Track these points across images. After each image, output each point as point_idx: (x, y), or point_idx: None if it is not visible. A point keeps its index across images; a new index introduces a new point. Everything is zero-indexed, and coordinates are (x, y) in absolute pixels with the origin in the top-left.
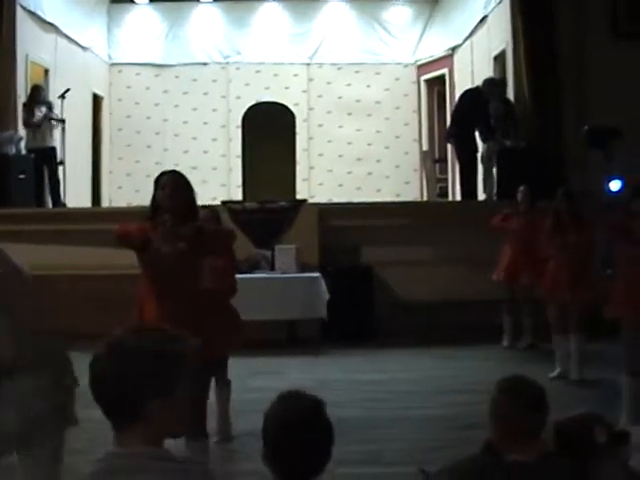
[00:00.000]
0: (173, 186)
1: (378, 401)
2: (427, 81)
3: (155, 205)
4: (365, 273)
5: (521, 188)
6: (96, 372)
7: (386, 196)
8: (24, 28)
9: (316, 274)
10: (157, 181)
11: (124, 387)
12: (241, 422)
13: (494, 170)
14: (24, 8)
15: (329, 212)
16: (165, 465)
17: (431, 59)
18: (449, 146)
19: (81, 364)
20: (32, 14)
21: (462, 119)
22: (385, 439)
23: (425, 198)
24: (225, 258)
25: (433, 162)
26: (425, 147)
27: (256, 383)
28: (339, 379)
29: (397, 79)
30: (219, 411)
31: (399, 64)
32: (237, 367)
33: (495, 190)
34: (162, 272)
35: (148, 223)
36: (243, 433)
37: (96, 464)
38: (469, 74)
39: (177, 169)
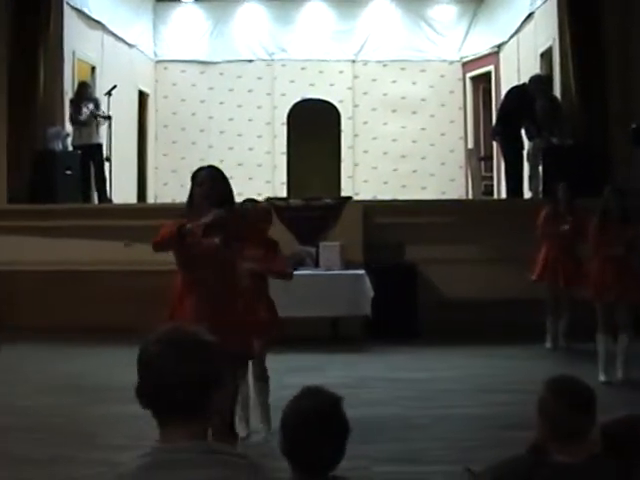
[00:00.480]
0: (210, 183)
1: (419, 400)
2: (473, 78)
3: (192, 201)
4: (409, 271)
5: (561, 185)
6: (158, 370)
7: (431, 194)
8: (71, 26)
9: (361, 271)
10: (194, 177)
11: (192, 383)
12: (279, 419)
13: (540, 168)
14: (71, 6)
15: (374, 209)
16: (216, 458)
17: (477, 56)
18: (494, 144)
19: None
20: (79, 12)
21: (508, 117)
22: (426, 438)
23: (470, 196)
24: (265, 245)
25: (478, 160)
26: (470, 145)
27: (297, 380)
28: (381, 377)
29: (442, 76)
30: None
31: (444, 61)
32: (278, 363)
33: (541, 188)
34: (197, 267)
35: (184, 219)
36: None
37: (142, 458)
38: (515, 71)
39: (221, 165)
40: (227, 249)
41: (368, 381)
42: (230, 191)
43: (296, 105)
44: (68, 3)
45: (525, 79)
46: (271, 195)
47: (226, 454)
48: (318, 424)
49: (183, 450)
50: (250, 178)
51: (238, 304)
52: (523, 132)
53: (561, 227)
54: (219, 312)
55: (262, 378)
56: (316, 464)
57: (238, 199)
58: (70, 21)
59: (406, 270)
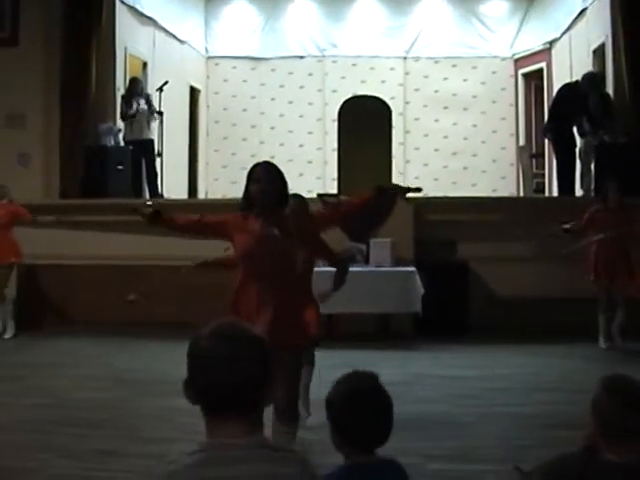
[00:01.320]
0: (267, 180)
1: (469, 397)
2: (524, 75)
3: (248, 197)
4: (460, 268)
5: (610, 183)
6: (213, 366)
7: (482, 191)
8: (123, 22)
9: (411, 268)
10: (250, 173)
11: (247, 380)
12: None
13: (592, 165)
14: (123, 2)
15: (425, 206)
16: (268, 454)
17: (529, 53)
18: (546, 141)
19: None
20: (131, 8)
21: (560, 114)
22: (475, 436)
23: (521, 193)
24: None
25: (530, 157)
26: (522, 142)
27: None
28: (430, 374)
29: (494, 73)
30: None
31: (496, 58)
32: (327, 359)
33: (593, 186)
34: (256, 258)
35: (240, 214)
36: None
37: (193, 455)
38: (567, 68)
39: (272, 162)
40: (286, 240)
41: (418, 378)
42: (286, 188)
43: (347, 101)
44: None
45: (577, 76)
46: (322, 191)
47: (277, 450)
48: (367, 399)
49: (236, 446)
50: (301, 174)
51: (298, 295)
52: (575, 129)
53: (609, 229)
54: (280, 303)
55: (311, 362)
56: (367, 440)
57: None
58: (122, 17)
59: (457, 267)
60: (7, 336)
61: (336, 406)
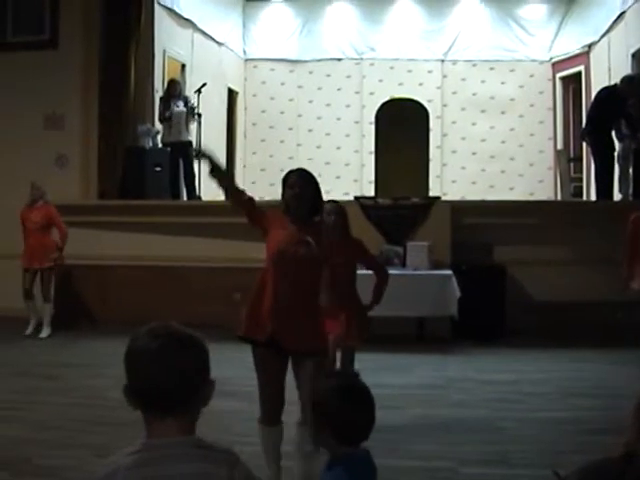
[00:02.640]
0: (301, 186)
1: (506, 402)
2: (562, 78)
3: (283, 203)
4: (497, 272)
5: None
6: (153, 367)
7: (519, 195)
8: (162, 24)
9: (448, 272)
10: (285, 180)
11: (187, 380)
12: None
13: (630, 170)
14: (162, 4)
15: (462, 210)
16: (204, 454)
17: (567, 56)
18: (584, 145)
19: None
20: (169, 10)
21: (598, 117)
22: (512, 441)
23: (559, 197)
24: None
25: (568, 161)
26: (560, 145)
27: (383, 379)
28: (467, 378)
29: (532, 76)
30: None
31: (534, 61)
32: (364, 362)
33: (631, 190)
34: (285, 261)
35: (281, 213)
36: None
37: (132, 456)
38: (605, 71)
39: (309, 164)
40: (317, 247)
41: (454, 382)
42: (319, 195)
43: (384, 104)
44: (159, 2)
45: (616, 79)
46: (358, 194)
47: (211, 449)
48: (356, 398)
49: (172, 446)
50: (338, 177)
51: (316, 302)
52: (613, 133)
53: None
54: (302, 307)
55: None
56: (356, 435)
57: (325, 198)
58: (161, 19)
59: (493, 271)
60: (43, 335)
61: (331, 404)
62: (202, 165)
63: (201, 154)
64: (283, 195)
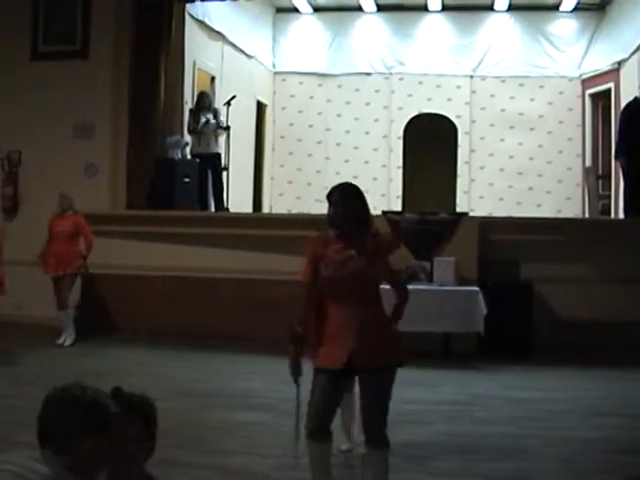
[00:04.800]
0: (344, 203)
1: (531, 420)
2: (592, 95)
3: (329, 220)
4: (524, 289)
5: None
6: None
7: (547, 212)
8: (192, 36)
9: (475, 288)
10: (329, 196)
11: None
12: (394, 433)
13: None
14: (193, 16)
15: (490, 226)
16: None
17: (596, 73)
18: (613, 162)
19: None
20: (200, 22)
21: (627, 134)
22: (535, 459)
23: (587, 214)
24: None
25: (596, 178)
26: (588, 162)
27: (409, 395)
28: (492, 395)
29: (561, 93)
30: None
31: (563, 78)
32: None
33: None
34: (336, 284)
35: (320, 238)
36: (396, 444)
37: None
38: (635, 88)
39: (336, 179)
40: (363, 260)
41: (480, 399)
42: (366, 209)
43: (413, 119)
44: (190, 14)
45: None
46: (386, 208)
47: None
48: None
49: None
50: (365, 191)
51: (377, 316)
52: None
53: None
54: (360, 325)
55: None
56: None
57: None
58: (191, 32)
59: (520, 288)
60: (67, 343)
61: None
62: (229, 178)
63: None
64: (328, 212)
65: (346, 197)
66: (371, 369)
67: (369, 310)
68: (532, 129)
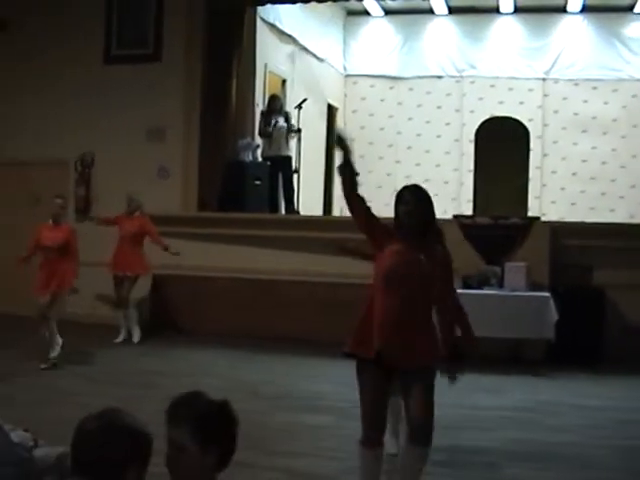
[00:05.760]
0: (414, 204)
1: (599, 428)
2: None
3: (397, 219)
4: (596, 295)
5: None
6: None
7: (620, 217)
8: (264, 39)
9: (546, 294)
10: (399, 195)
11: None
12: (459, 437)
13: None
14: (264, 20)
15: (562, 231)
16: None
17: None
18: None
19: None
20: (271, 26)
21: None
22: (603, 468)
23: None
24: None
25: None
26: None
27: (476, 400)
28: (561, 402)
29: (635, 96)
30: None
31: (638, 81)
32: (458, 383)
33: None
34: (397, 280)
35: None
36: (461, 449)
37: None
38: None
39: (407, 182)
40: (429, 265)
41: (548, 406)
42: (433, 212)
43: (485, 122)
44: (261, 17)
45: None
46: (457, 212)
47: None
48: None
49: None
50: (436, 195)
51: (429, 317)
52: None
53: None
54: (414, 324)
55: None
56: None
57: None
58: (262, 35)
59: (592, 294)
60: (135, 340)
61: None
62: (299, 180)
63: (341, 142)
64: (396, 211)
65: (417, 197)
66: (410, 369)
67: (417, 311)
68: (605, 133)
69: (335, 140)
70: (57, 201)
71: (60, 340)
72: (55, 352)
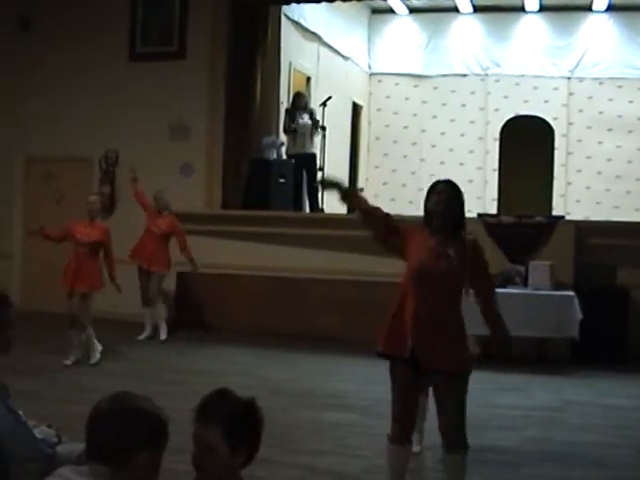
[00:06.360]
0: (447, 195)
1: (624, 428)
2: None
3: (427, 212)
4: (621, 295)
5: None
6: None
7: None
8: (288, 37)
9: (570, 293)
10: (431, 188)
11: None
12: (482, 436)
13: None
14: (289, 18)
15: (586, 230)
16: None
17: None
18: None
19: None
20: (296, 24)
21: None
22: (627, 468)
23: None
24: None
25: None
26: None
27: (501, 399)
28: (586, 402)
29: None
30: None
31: None
32: (482, 382)
33: None
34: (426, 278)
35: (417, 227)
36: (484, 448)
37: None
38: None
39: (431, 180)
40: (458, 263)
41: (572, 405)
42: (463, 209)
43: (509, 121)
44: (286, 15)
45: None
46: (481, 211)
47: None
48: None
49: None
50: None
51: (459, 319)
52: None
53: None
54: (441, 324)
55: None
56: None
57: None
58: (287, 33)
59: (617, 294)
60: (162, 337)
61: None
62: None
63: (326, 184)
64: (426, 204)
65: (450, 190)
66: (441, 370)
67: (448, 310)
68: (630, 132)
69: (322, 187)
70: (92, 198)
71: (100, 347)
72: (95, 359)
